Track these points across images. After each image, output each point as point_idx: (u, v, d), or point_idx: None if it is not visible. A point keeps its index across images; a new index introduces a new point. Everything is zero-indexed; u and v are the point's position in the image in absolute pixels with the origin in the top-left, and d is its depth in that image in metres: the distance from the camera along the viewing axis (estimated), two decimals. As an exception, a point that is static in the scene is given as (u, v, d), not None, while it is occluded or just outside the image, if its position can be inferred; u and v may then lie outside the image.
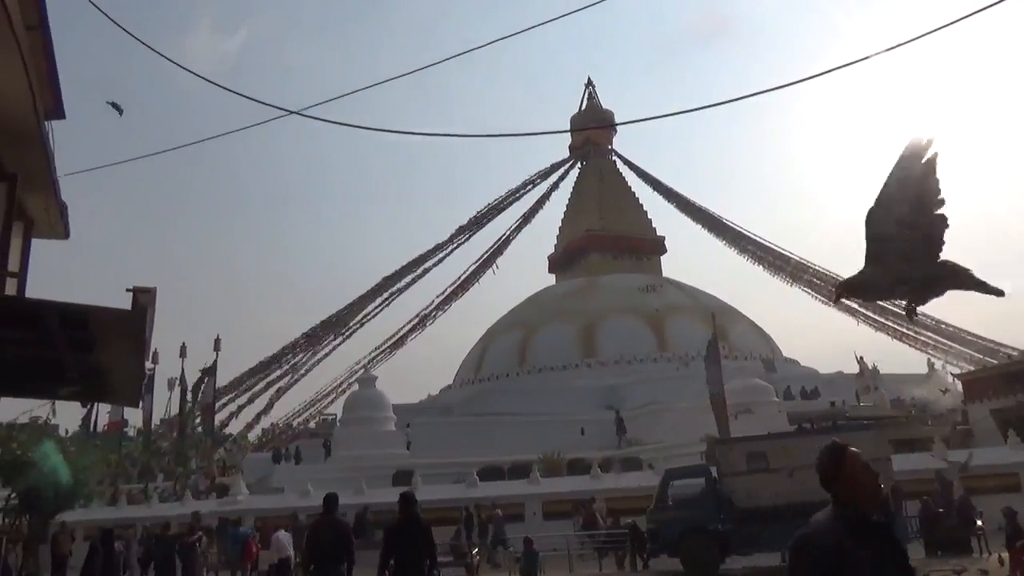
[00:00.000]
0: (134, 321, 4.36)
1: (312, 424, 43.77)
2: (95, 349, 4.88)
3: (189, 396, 32.60)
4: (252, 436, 43.56)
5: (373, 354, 49.75)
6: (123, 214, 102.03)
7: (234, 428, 44.03)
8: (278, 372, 45.92)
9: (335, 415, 42.10)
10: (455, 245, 54.18)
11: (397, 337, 49.82)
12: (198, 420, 32.72)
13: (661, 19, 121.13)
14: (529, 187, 57.42)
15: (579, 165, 62.98)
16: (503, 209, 55.80)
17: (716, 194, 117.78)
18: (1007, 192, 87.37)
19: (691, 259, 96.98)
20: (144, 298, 4.34)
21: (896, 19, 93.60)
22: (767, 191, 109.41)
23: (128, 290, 4.42)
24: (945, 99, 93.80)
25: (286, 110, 7.15)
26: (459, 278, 54.31)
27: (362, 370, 42.79)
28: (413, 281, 52.43)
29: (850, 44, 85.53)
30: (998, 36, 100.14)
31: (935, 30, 5.57)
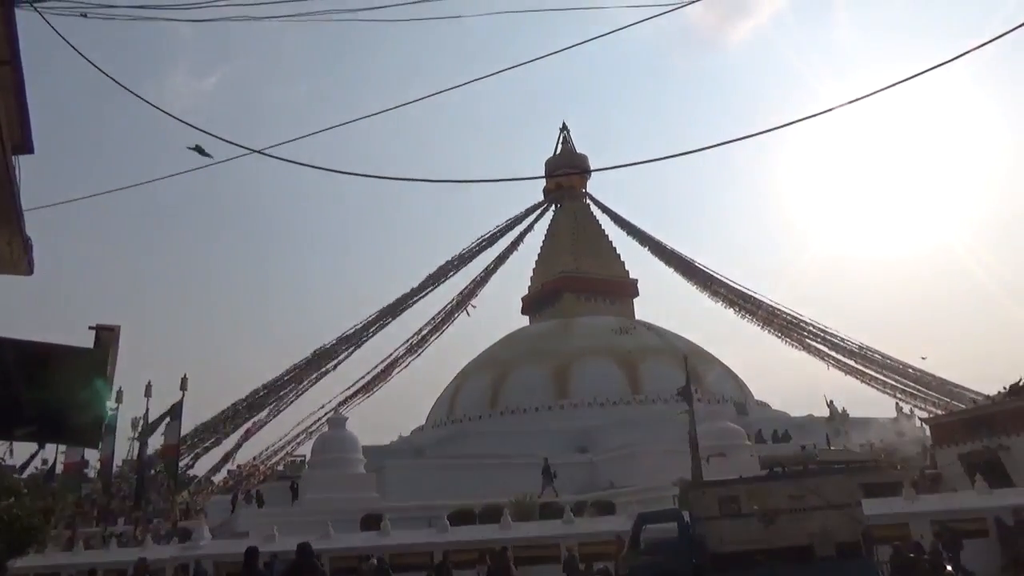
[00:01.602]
0: (96, 360, 4.24)
1: (281, 466, 42.87)
2: (54, 388, 4.72)
3: (158, 431, 31.68)
4: (217, 478, 42.51)
5: (345, 394, 48.92)
6: (91, 250, 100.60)
7: (199, 470, 42.98)
8: (247, 413, 44.99)
9: (304, 457, 41.32)
10: (433, 286, 53.75)
11: (369, 378, 48.84)
12: (160, 462, 31.84)
13: (633, 62, 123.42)
14: (505, 229, 57.50)
15: (553, 208, 63.41)
16: (479, 252, 55.76)
17: (689, 237, 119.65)
18: (964, 232, 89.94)
19: (664, 302, 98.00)
20: (107, 336, 4.24)
21: (866, 74, 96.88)
22: (741, 233, 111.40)
23: (91, 328, 4.30)
24: (913, 145, 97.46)
25: (250, 149, 7.13)
26: (433, 319, 53.85)
27: (333, 411, 42.06)
28: (384, 323, 51.85)
29: (819, 94, 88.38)
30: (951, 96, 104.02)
31: (898, 83, 5.81)
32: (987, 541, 18.39)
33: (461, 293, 54.78)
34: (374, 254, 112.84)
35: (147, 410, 31.95)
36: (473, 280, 55.45)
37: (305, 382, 47.48)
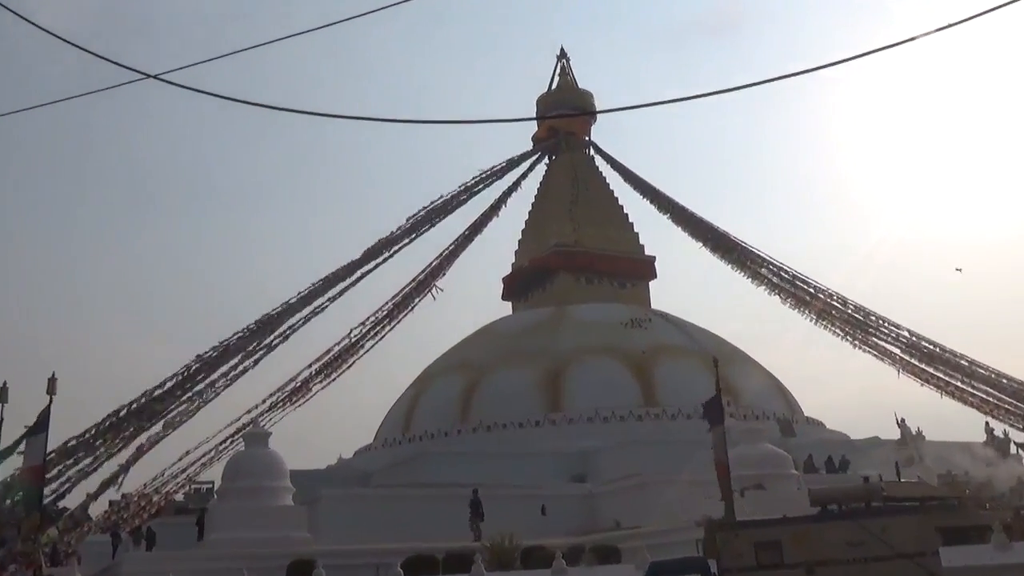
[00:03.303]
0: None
1: (180, 495, 42.62)
2: None
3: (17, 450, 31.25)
4: (96, 511, 42.12)
5: (268, 403, 48.56)
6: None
7: (72, 500, 42.58)
8: (136, 424, 44.40)
9: (212, 484, 41.30)
10: (383, 258, 52.90)
11: (300, 381, 47.78)
12: (19, 490, 31.35)
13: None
14: (480, 187, 56.82)
15: (547, 161, 63.50)
16: (445, 214, 54.89)
17: (724, 204, 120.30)
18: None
19: (689, 287, 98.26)
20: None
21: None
22: (792, 202, 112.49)
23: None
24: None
25: (142, 73, 6.93)
26: (387, 304, 53.27)
27: (251, 424, 41.84)
28: (318, 309, 51.18)
29: (896, 17, 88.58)
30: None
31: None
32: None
33: (423, 271, 54.07)
34: (302, 214, 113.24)
35: (0, 420, 31.44)
36: (439, 254, 54.77)
37: (214, 381, 46.83)
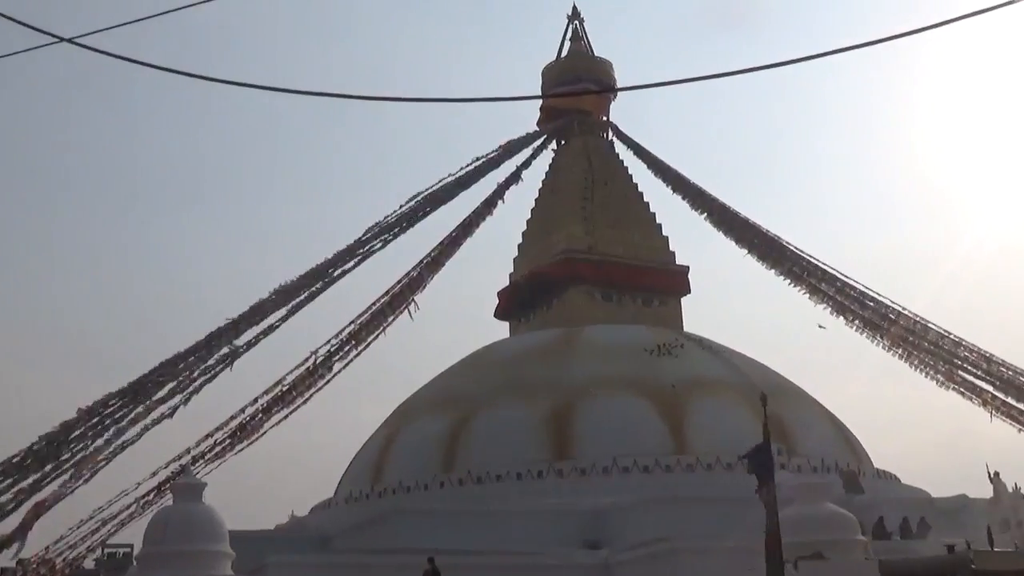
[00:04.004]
0: None
1: (91, 562, 42.33)
2: None
3: None
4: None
5: (203, 445, 48.44)
6: None
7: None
8: (37, 472, 44.17)
9: (130, 547, 41.00)
10: (348, 265, 52.75)
11: (244, 419, 47.82)
12: None
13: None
14: (470, 180, 56.56)
15: (554, 147, 63.39)
16: (427, 213, 54.74)
17: (774, 204, 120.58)
18: None
19: (731, 305, 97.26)
20: None
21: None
22: (860, 203, 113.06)
23: None
24: None
25: (55, 36, 6.97)
26: (353, 323, 53.08)
27: (181, 472, 41.76)
28: (269, 328, 51.01)
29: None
30: None
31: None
32: None
33: (398, 283, 53.88)
34: (248, 211, 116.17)
35: None
36: (419, 262, 54.65)
37: (137, 418, 46.48)
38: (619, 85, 61.66)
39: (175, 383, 47.84)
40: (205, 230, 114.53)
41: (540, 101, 61.87)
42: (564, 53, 63.53)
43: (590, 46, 63.55)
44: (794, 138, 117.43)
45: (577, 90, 60.34)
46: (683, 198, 59.97)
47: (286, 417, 50.22)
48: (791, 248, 56.16)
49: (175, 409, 47.30)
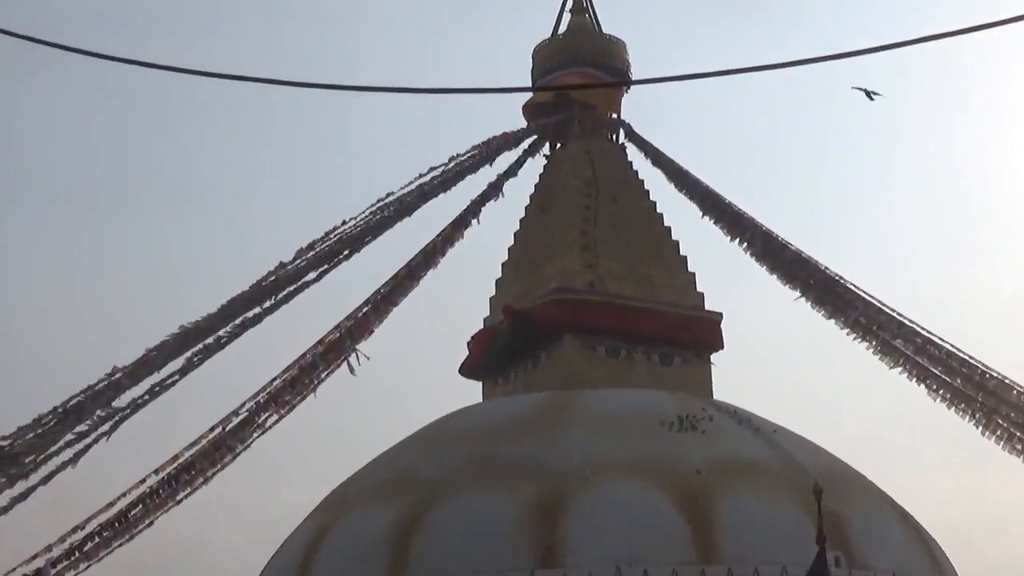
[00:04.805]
0: None
1: None
2: None
3: None
4: None
5: (69, 541, 47.94)
6: None
7: None
8: None
9: None
10: (268, 306, 52.76)
11: (123, 506, 48.41)
12: None
13: None
14: (433, 192, 56.74)
15: (546, 151, 63.00)
16: (375, 235, 54.96)
17: (835, 231, 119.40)
18: None
19: (774, 364, 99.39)
20: None
21: None
22: (943, 236, 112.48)
23: None
24: None
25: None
26: (276, 380, 52.61)
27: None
28: (163, 386, 50.28)
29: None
30: None
31: None
32: None
33: (336, 328, 53.82)
34: (158, 222, 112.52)
35: None
36: (365, 301, 54.68)
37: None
38: (635, 70, 61.28)
39: (33, 457, 47.38)
40: (104, 250, 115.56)
41: (529, 93, 62.19)
42: (561, 29, 62.76)
43: (595, 19, 62.87)
44: (862, 146, 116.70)
45: (578, 81, 61.24)
46: (716, 222, 59.77)
47: (180, 502, 50.75)
48: (857, 291, 55.90)
49: (32, 489, 46.88)
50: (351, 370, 53.94)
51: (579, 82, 60.69)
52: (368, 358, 53.46)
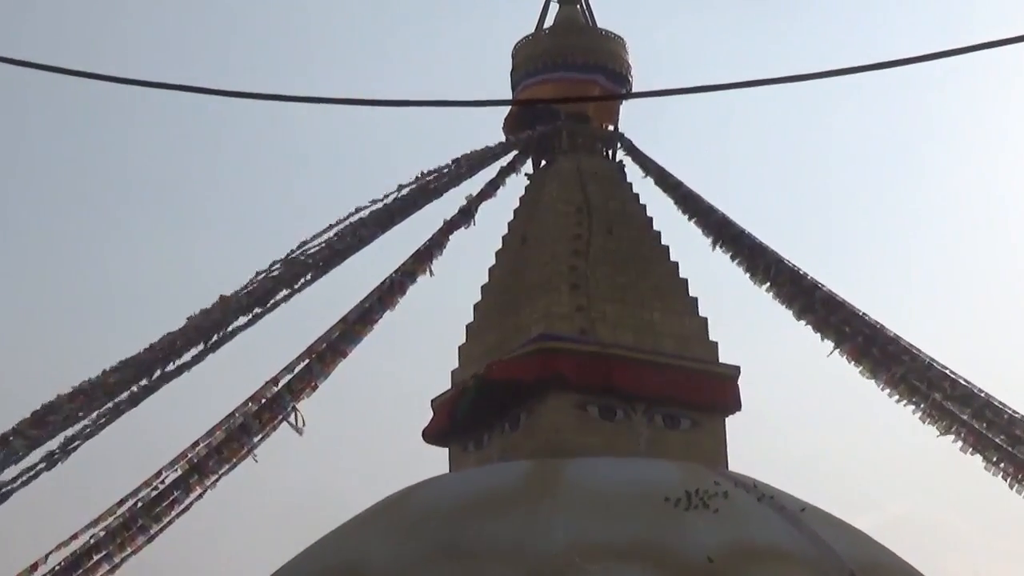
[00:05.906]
0: None
1: None
2: None
3: None
4: None
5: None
6: None
7: None
8: None
9: None
10: (190, 358, 48.92)
11: None
12: None
13: None
14: (394, 215, 52.71)
15: (528, 170, 58.94)
16: (323, 271, 51.13)
17: (874, 272, 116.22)
18: None
19: (802, 430, 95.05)
20: None
21: None
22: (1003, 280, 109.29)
23: None
24: None
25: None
26: (197, 445, 48.83)
27: None
28: (68, 449, 46.56)
29: None
30: None
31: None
32: None
33: (274, 381, 49.91)
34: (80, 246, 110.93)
35: None
36: (308, 349, 50.79)
37: None
38: (637, 72, 57.94)
39: None
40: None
41: (511, 98, 57.85)
42: (547, 24, 58.81)
43: (589, 12, 58.60)
44: (914, 165, 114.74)
45: (567, 87, 57.77)
46: (732, 257, 55.59)
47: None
48: (901, 342, 52.17)
49: None
50: (296, 430, 50.00)
51: (567, 89, 57.70)
52: (304, 423, 49.83)
